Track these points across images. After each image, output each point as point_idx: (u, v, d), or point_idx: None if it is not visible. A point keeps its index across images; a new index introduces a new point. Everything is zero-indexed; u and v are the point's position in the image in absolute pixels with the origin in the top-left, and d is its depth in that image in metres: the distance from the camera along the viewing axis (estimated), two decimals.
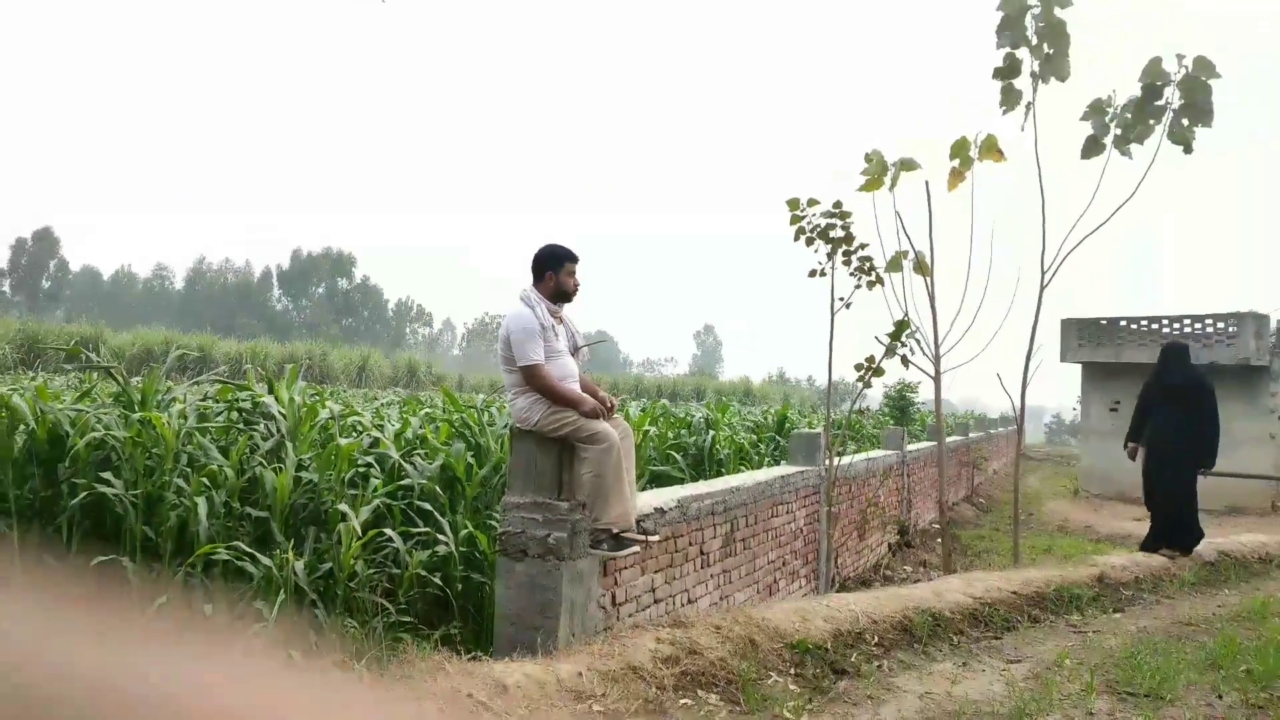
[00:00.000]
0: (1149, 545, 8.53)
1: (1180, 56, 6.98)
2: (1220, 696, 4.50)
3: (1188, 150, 7.11)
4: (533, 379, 4.44)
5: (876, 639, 5.11)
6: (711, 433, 9.86)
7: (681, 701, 3.88)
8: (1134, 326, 20.58)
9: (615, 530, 4.41)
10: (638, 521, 4.75)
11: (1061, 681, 4.67)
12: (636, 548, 4.56)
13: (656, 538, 4.90)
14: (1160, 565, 8.07)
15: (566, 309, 4.78)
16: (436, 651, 3.74)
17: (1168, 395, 8.35)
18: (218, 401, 7.07)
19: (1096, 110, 7.40)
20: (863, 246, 7.69)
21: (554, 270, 4.64)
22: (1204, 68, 6.90)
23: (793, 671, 4.47)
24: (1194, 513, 8.38)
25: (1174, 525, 8.34)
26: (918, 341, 7.89)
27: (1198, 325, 19.66)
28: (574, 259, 4.69)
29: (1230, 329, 19.07)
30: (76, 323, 38.52)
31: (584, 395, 4.54)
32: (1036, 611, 6.28)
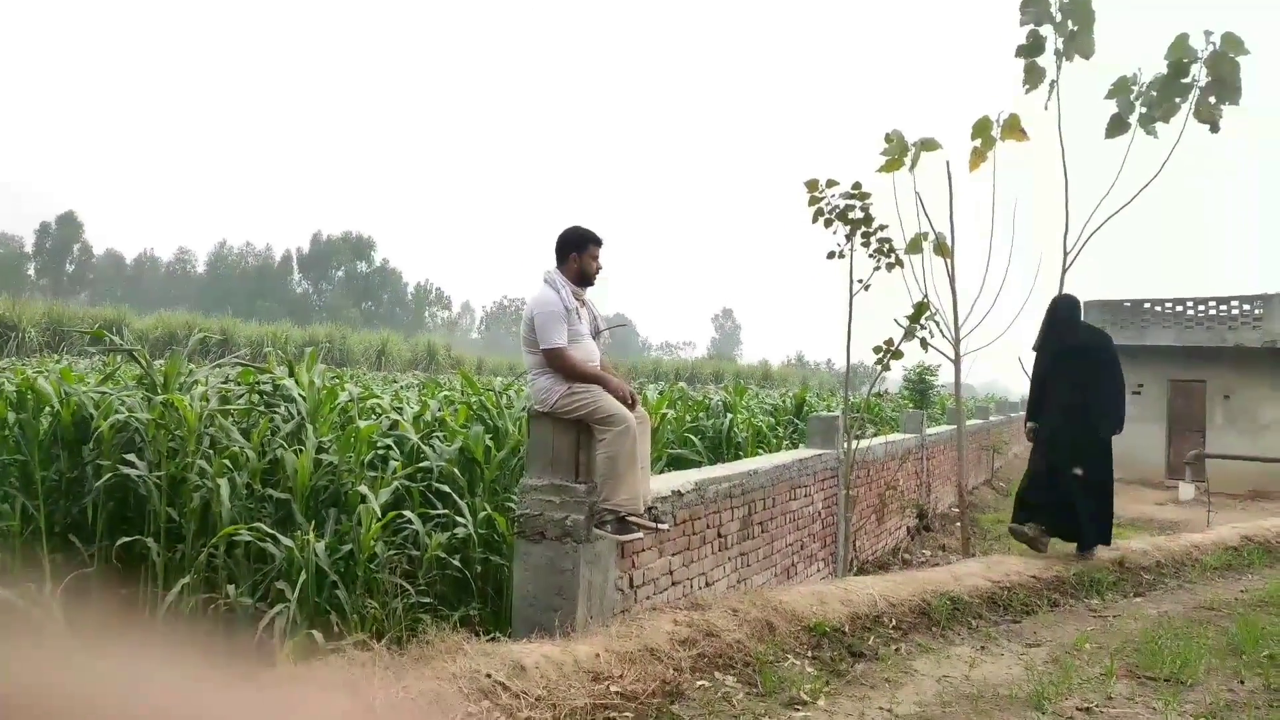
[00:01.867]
0: (1019, 515, 7.10)
1: (1208, 33, 6.85)
2: (1242, 682, 4.47)
3: (1215, 129, 7.00)
4: (555, 361, 4.45)
5: (894, 622, 5.10)
6: (729, 416, 9.85)
7: (699, 683, 3.89)
8: (1157, 309, 20.36)
9: (623, 513, 4.40)
10: (650, 508, 4.76)
11: (1081, 665, 4.65)
12: (640, 534, 4.56)
13: (665, 526, 4.89)
14: (1182, 549, 8.01)
15: (588, 292, 4.78)
16: (455, 632, 3.77)
17: (1061, 361, 7.01)
18: (239, 384, 7.13)
19: (1121, 88, 7.28)
20: (882, 228, 7.63)
21: (578, 252, 4.64)
22: (1232, 44, 6.77)
23: (810, 654, 4.48)
24: (1097, 500, 6.92)
25: (1064, 511, 6.87)
26: (937, 324, 7.83)
27: (1223, 307, 19.42)
28: (598, 242, 4.69)
29: (1257, 310, 18.82)
30: (100, 306, 38.96)
31: (615, 378, 4.56)
32: (1056, 595, 6.25)
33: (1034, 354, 7.30)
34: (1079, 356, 6.92)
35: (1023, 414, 28.86)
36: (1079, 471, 6.80)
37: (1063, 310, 7.14)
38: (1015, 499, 7.28)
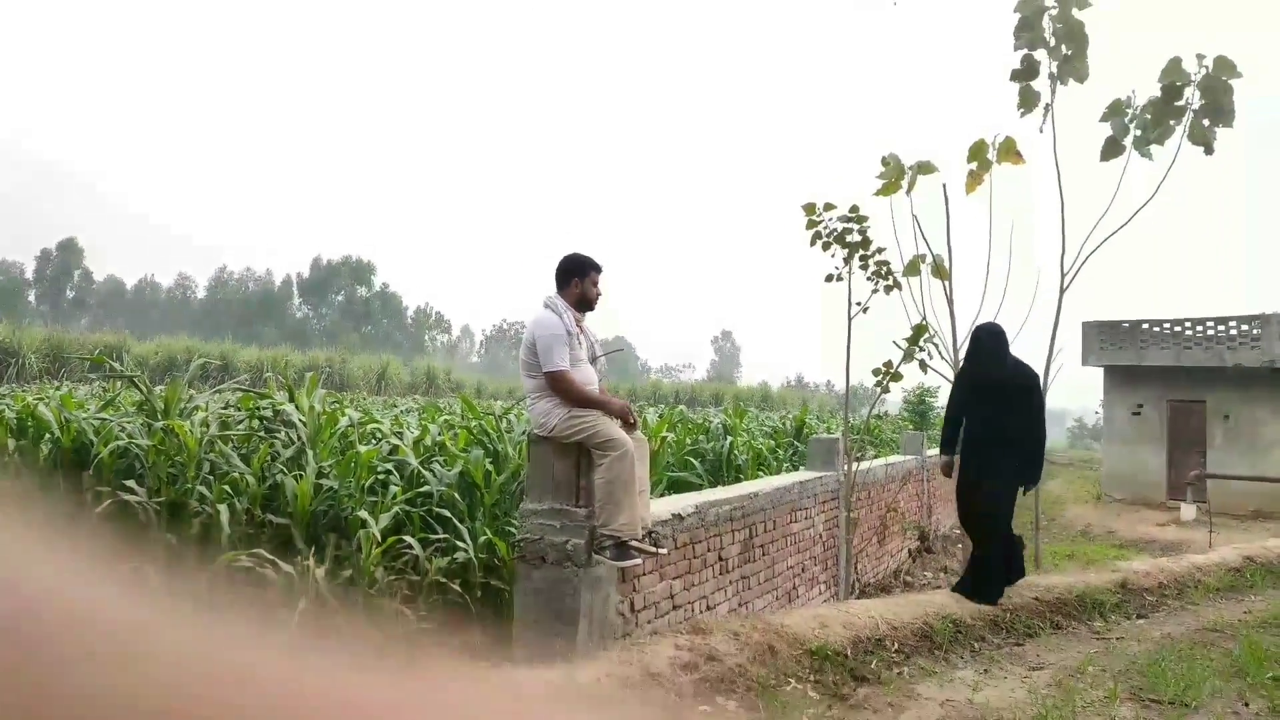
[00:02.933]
0: (990, 597, 6.17)
1: (1201, 56, 6.92)
2: (1246, 704, 4.45)
3: (1209, 151, 7.05)
4: (557, 384, 4.46)
5: (897, 645, 5.08)
6: (729, 438, 9.84)
7: (700, 708, 3.87)
8: (1156, 329, 20.37)
9: (622, 538, 4.40)
10: (650, 532, 4.76)
11: (1084, 689, 4.63)
12: (639, 560, 4.54)
13: (664, 550, 4.88)
14: (1185, 570, 7.98)
15: (586, 318, 4.81)
16: (456, 658, 3.75)
17: (982, 393, 6.28)
18: (239, 410, 7.14)
19: (1116, 111, 7.34)
20: (880, 250, 7.66)
21: (579, 278, 4.66)
22: (1225, 67, 6.85)
23: (812, 678, 4.46)
24: (1007, 549, 6.27)
25: (985, 563, 6.22)
26: (936, 346, 7.85)
27: (1221, 327, 19.43)
28: (599, 268, 4.72)
29: (1255, 330, 18.83)
30: (100, 332, 39.00)
31: (617, 402, 4.59)
32: (1059, 618, 6.22)
33: (952, 384, 6.69)
34: (1000, 392, 6.17)
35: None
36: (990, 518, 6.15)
37: (986, 340, 6.37)
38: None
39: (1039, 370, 7.04)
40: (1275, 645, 5.62)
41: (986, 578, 6.18)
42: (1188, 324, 19.95)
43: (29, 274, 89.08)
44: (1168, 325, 20.23)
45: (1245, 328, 19.02)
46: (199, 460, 5.92)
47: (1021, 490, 6.27)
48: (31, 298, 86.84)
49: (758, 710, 3.96)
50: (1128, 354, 20.66)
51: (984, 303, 7.79)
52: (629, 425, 4.69)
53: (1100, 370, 21.72)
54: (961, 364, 6.53)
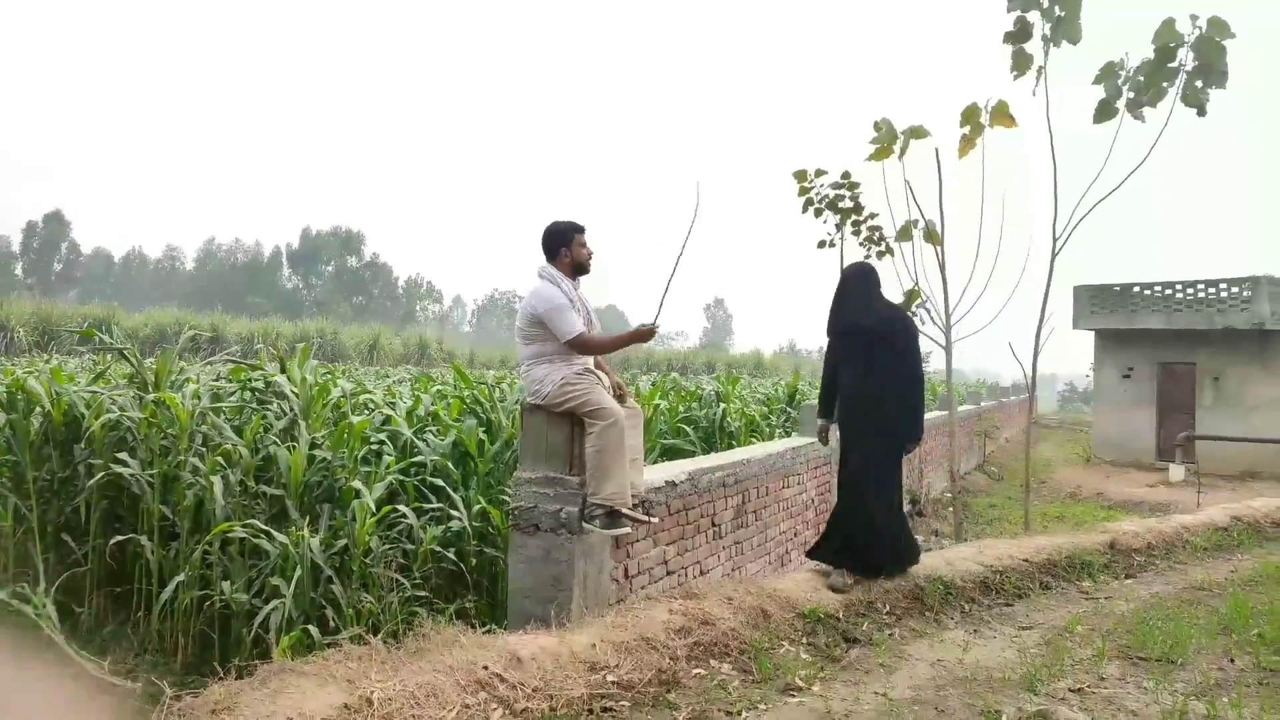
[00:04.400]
0: (824, 554, 5.53)
1: (1194, 17, 6.87)
2: (1232, 660, 4.52)
3: (1201, 113, 7.02)
4: (584, 347, 4.52)
5: (888, 607, 5.14)
6: (722, 405, 9.87)
7: (695, 671, 3.92)
8: (1146, 292, 20.44)
9: (612, 506, 4.43)
10: (642, 501, 4.80)
11: (1073, 647, 4.69)
12: (629, 529, 4.59)
13: (655, 519, 4.92)
14: (1173, 531, 8.07)
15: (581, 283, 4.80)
16: (451, 625, 3.78)
17: (850, 345, 5.50)
18: (231, 381, 7.13)
19: (1109, 73, 7.29)
20: (872, 216, 7.66)
21: (566, 246, 4.65)
22: (1218, 28, 6.79)
23: (805, 640, 4.51)
24: (891, 516, 5.44)
25: (859, 534, 5.36)
26: (928, 311, 7.87)
27: (1212, 289, 19.50)
28: (581, 229, 4.71)
29: (1245, 293, 18.90)
30: (89, 304, 38.76)
31: (630, 331, 4.63)
32: (1048, 578, 6.30)
33: (828, 338, 5.79)
34: (869, 340, 5.41)
35: (1014, 398, 28.59)
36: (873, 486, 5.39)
37: (851, 281, 5.59)
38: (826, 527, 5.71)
39: (1034, 339, 7.03)
40: (1261, 603, 5.71)
41: (845, 544, 5.39)
42: (1178, 287, 20.02)
43: (15, 246, 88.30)
44: (1158, 288, 20.30)
45: (1235, 290, 19.09)
46: (191, 432, 5.91)
47: (906, 451, 5.48)
48: (18, 271, 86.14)
49: (751, 672, 4.01)
50: (1118, 317, 20.74)
51: (976, 267, 7.81)
52: (619, 395, 4.72)
53: (1091, 334, 21.81)
54: (830, 310, 5.64)
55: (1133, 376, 21.13)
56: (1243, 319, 18.79)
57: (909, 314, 5.69)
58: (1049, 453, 22.90)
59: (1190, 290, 19.82)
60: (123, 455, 5.77)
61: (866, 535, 5.33)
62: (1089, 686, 4.02)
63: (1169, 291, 20.12)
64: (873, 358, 5.37)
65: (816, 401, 6.05)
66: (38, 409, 6.14)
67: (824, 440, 5.81)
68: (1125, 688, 4.04)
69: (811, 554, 5.65)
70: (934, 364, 21.03)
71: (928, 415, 14.30)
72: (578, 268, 4.69)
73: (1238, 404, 19.37)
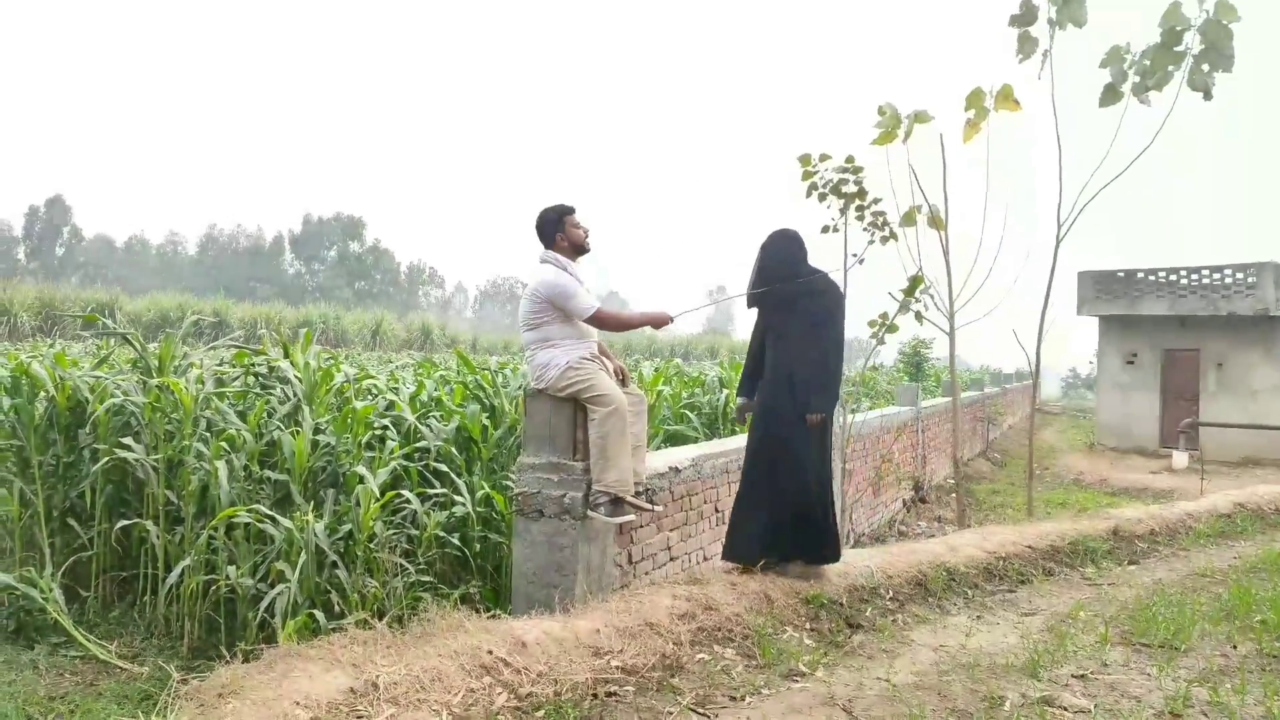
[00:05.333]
0: (739, 553, 5.04)
1: (1201, 0, 6.82)
2: (1235, 646, 4.53)
3: (1207, 97, 6.97)
4: (603, 323, 4.62)
5: (891, 594, 5.15)
6: (725, 391, 9.86)
7: (698, 656, 3.93)
8: (1151, 278, 20.37)
9: (615, 494, 4.44)
10: (646, 489, 4.81)
11: (1076, 633, 4.70)
12: (632, 515, 4.61)
13: (659, 508, 4.93)
14: (1176, 517, 8.08)
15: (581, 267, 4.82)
16: (456, 610, 3.80)
17: (771, 314, 5.15)
18: (234, 366, 7.13)
19: (1115, 57, 7.24)
20: (876, 201, 7.61)
21: (559, 231, 4.69)
22: (1225, 11, 6.74)
23: (808, 626, 4.52)
24: (813, 498, 4.91)
25: (779, 521, 4.91)
26: (932, 297, 7.85)
27: (1216, 275, 19.45)
28: (570, 211, 4.76)
29: (1249, 279, 18.85)
30: (92, 289, 38.79)
31: (656, 311, 4.76)
32: (1051, 565, 6.31)
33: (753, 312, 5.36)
34: (789, 311, 5.01)
35: (1017, 385, 28.59)
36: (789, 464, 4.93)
37: (773, 242, 5.16)
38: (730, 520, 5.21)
39: (1039, 330, 6.94)
40: (1264, 589, 5.71)
41: (747, 532, 4.99)
42: (1183, 273, 19.96)
43: (17, 231, 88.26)
44: (1163, 274, 20.24)
45: (1240, 276, 19.03)
46: (195, 417, 5.92)
47: (808, 420, 4.87)
48: (21, 255, 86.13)
49: (754, 657, 4.03)
50: (1122, 303, 20.70)
51: (980, 253, 7.78)
52: (622, 381, 4.74)
53: (1095, 320, 21.77)
54: (750, 282, 5.17)
55: (1136, 363, 21.12)
56: (1247, 305, 18.76)
57: (829, 275, 5.21)
58: (1052, 439, 22.91)
59: (1195, 276, 19.77)
60: (127, 440, 5.78)
61: (772, 516, 4.89)
62: (1092, 672, 4.02)
63: (1173, 277, 20.07)
64: (790, 325, 5.00)
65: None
66: (42, 394, 6.15)
67: (740, 422, 5.35)
68: (1128, 674, 4.05)
69: (726, 555, 5.12)
70: (937, 350, 21.09)
71: (931, 402, 14.33)
72: (577, 249, 4.73)
73: (1241, 390, 19.36)
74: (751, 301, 5.19)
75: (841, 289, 5.38)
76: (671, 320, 4.76)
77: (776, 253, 5.10)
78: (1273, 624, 4.82)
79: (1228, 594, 5.58)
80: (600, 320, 4.59)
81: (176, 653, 5.15)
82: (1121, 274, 20.78)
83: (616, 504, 4.49)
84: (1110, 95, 7.30)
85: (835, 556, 5.05)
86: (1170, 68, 7.02)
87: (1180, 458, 17.46)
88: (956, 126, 7.53)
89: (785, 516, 4.90)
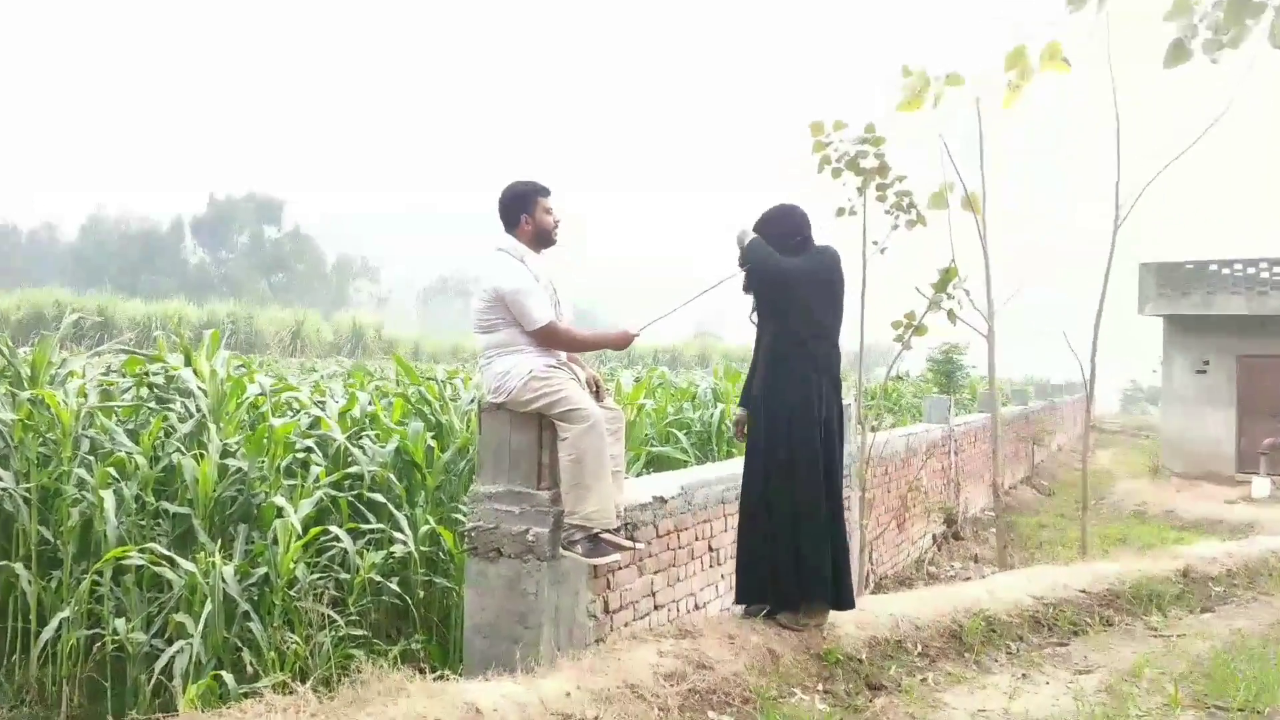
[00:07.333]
0: (753, 597, 5.12)
1: None
2: None
3: None
4: (552, 339, 4.52)
5: (920, 648, 5.17)
6: (720, 406, 9.89)
7: None
8: (1225, 271, 20.51)
9: (594, 529, 4.38)
10: (625, 524, 4.76)
11: (1140, 695, 4.74)
12: (616, 557, 4.56)
13: (641, 545, 4.89)
14: (1257, 555, 8.16)
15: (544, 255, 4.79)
16: (395, 670, 3.77)
17: (776, 295, 5.11)
18: (124, 376, 7.08)
19: (1182, 9, 7.33)
20: (900, 179, 7.64)
21: (527, 212, 4.64)
22: None
23: (821, 688, 4.53)
24: (822, 530, 4.84)
25: (794, 557, 4.83)
26: (967, 293, 7.88)
27: None
28: (546, 192, 4.71)
29: None
30: None
31: (614, 332, 4.79)
32: (1109, 613, 6.35)
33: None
34: (807, 288, 5.01)
35: (1067, 399, 28.79)
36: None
37: (772, 214, 5.28)
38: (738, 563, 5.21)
39: (1092, 329, 6.91)
40: None
41: (755, 577, 5.02)
42: (1264, 265, 20.10)
43: None
44: (1240, 266, 20.39)
45: None
46: (76, 438, 5.87)
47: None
48: None
49: None
50: (1192, 301, 20.85)
51: (1023, 240, 7.85)
52: (596, 393, 4.70)
53: (1159, 320, 21.95)
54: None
55: (1208, 371, 21.30)
56: None
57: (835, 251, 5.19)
58: (1108, 462, 23.11)
59: (1278, 269, 19.95)
60: None
61: (763, 558, 4.92)
62: None
63: (1252, 270, 20.23)
64: (810, 307, 5.01)
65: None
66: None
67: (739, 438, 5.34)
68: None
69: (740, 599, 5.21)
70: (973, 356, 21.21)
71: (966, 418, 14.42)
72: (543, 238, 4.69)
73: None
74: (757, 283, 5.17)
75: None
76: (635, 337, 4.76)
77: (789, 225, 5.23)
78: None
79: None
80: (550, 336, 4.49)
81: None
82: (1190, 265, 20.94)
83: (595, 541, 4.44)
84: (1178, 53, 7.37)
85: (850, 603, 4.99)
86: (1248, 21, 7.11)
87: (1261, 484, 17.63)
88: (995, 93, 7.58)
89: (788, 552, 4.84)
